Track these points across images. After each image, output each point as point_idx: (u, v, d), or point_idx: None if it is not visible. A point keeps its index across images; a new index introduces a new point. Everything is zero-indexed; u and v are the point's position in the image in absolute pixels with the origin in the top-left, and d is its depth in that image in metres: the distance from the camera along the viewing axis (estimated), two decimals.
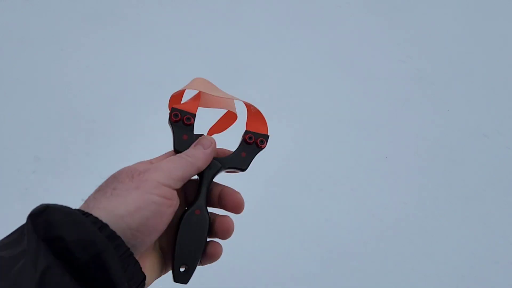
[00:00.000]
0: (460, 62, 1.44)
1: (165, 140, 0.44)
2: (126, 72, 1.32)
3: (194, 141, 0.40)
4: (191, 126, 0.41)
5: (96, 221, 0.30)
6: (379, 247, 1.03)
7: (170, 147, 0.40)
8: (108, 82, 1.30)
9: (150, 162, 0.38)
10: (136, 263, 0.31)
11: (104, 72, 1.32)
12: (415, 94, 1.35)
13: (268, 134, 0.42)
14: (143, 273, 0.32)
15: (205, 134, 0.42)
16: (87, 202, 0.32)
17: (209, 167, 0.39)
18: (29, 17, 1.45)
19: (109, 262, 0.29)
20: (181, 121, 0.39)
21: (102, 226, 0.30)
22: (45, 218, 0.28)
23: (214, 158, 0.40)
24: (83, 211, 0.30)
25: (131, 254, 0.31)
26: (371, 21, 1.54)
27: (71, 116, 1.21)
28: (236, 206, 0.39)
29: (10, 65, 1.32)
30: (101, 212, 0.31)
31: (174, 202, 0.35)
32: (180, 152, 0.39)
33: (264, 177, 1.09)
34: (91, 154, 1.12)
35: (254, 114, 0.42)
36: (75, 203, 0.33)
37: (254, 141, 0.42)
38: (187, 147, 0.40)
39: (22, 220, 0.29)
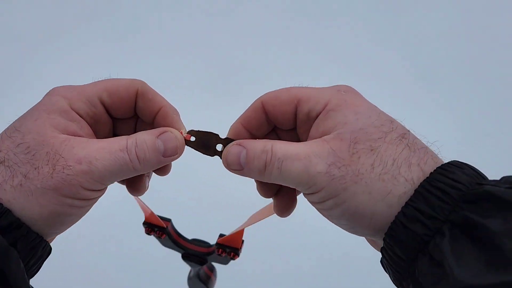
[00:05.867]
0: (464, 60, 1.43)
1: None
2: (124, 71, 1.31)
3: None
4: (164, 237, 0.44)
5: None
6: None
7: None
8: None
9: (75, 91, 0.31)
10: (46, 245, 0.28)
11: (103, 71, 1.31)
12: (418, 94, 1.34)
13: (239, 246, 0.43)
14: (50, 247, 0.29)
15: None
16: None
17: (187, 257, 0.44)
18: (25, 16, 1.44)
19: (9, 269, 0.25)
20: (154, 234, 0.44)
21: (3, 212, 0.26)
22: None
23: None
24: None
25: (41, 239, 0.28)
26: (372, 20, 1.53)
27: None
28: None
29: (8, 64, 1.32)
30: (5, 196, 0.26)
31: (95, 200, 0.30)
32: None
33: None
34: None
35: (237, 233, 0.42)
36: None
37: (225, 254, 0.43)
38: None
39: None
